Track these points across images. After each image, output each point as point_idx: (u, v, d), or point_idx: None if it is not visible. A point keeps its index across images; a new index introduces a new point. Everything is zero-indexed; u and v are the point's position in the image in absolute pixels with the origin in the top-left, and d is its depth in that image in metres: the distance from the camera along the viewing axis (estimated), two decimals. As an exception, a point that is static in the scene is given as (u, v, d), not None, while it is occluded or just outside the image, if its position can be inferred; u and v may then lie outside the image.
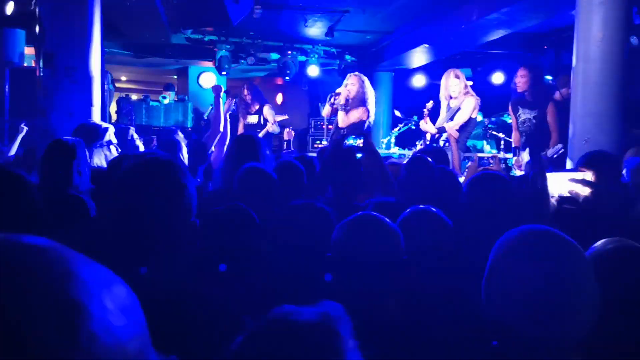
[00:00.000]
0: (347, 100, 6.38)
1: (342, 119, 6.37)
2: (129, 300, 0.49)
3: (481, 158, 6.15)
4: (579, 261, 1.28)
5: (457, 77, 6.27)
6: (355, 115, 6.30)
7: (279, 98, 13.68)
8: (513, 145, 6.20)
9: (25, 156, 5.51)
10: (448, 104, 6.34)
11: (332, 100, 6.47)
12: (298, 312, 0.93)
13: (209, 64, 11.01)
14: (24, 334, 0.41)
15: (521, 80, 5.88)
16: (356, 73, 6.58)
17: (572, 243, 1.31)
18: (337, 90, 6.51)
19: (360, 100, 6.31)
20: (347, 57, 11.06)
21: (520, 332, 1.26)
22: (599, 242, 1.69)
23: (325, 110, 6.68)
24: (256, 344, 0.92)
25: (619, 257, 1.60)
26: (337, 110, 6.44)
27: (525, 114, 5.92)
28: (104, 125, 4.23)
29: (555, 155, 5.43)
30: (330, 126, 9.84)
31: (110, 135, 4.07)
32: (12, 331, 0.40)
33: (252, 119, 8.23)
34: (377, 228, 1.74)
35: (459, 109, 6.17)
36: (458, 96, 6.21)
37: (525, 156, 5.82)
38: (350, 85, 6.37)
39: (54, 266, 0.45)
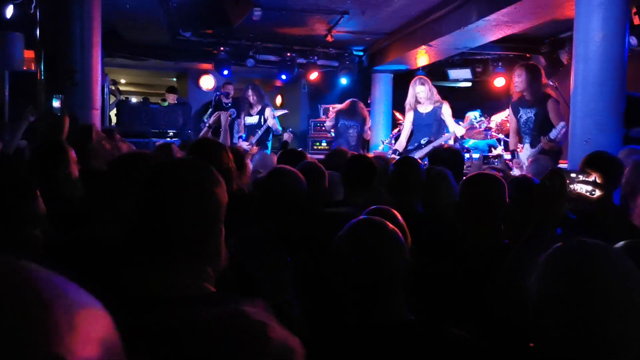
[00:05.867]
0: None
1: None
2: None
3: (486, 157, 6.13)
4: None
5: None
6: None
7: (278, 100, 13.68)
8: (510, 149, 6.20)
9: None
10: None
11: None
12: None
13: (209, 66, 11.01)
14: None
15: (518, 80, 5.90)
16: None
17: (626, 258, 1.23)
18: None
19: None
20: (347, 58, 11.04)
21: None
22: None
23: None
24: None
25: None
26: None
27: (526, 114, 5.91)
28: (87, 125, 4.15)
29: (559, 136, 5.39)
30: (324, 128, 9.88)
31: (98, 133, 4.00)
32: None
33: (253, 119, 8.28)
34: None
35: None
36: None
37: (525, 152, 5.80)
38: None
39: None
